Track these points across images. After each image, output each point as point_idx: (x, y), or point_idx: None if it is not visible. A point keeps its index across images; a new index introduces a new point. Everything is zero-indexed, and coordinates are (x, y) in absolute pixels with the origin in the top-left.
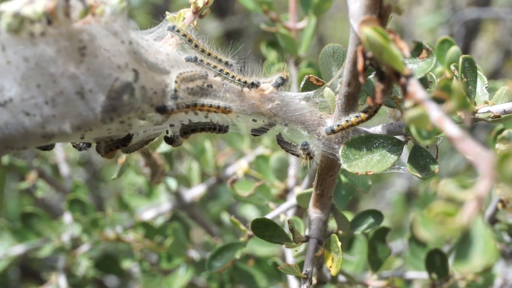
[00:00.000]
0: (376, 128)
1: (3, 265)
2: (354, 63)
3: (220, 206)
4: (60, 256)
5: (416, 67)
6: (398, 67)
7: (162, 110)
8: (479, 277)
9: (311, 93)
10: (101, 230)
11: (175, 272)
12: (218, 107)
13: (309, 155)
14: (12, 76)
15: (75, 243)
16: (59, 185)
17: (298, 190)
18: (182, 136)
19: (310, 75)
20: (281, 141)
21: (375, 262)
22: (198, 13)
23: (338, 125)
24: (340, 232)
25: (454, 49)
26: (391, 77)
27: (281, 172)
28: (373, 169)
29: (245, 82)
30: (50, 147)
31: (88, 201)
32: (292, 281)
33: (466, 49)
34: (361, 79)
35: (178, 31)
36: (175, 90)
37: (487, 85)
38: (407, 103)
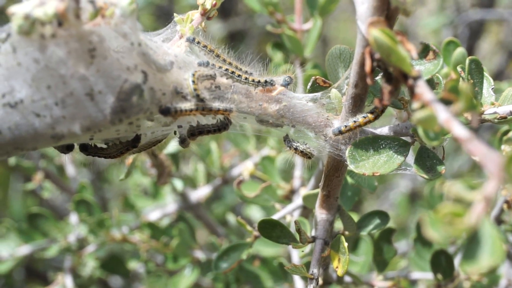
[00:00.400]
0: (382, 129)
1: (10, 265)
2: (361, 64)
3: (224, 207)
4: (65, 256)
5: (423, 68)
6: (406, 69)
7: (165, 112)
8: (484, 278)
9: (318, 94)
10: (108, 231)
11: (181, 273)
12: (218, 109)
13: (296, 150)
14: (22, 77)
15: (81, 243)
16: (65, 185)
17: (304, 191)
18: (190, 137)
19: (317, 77)
20: (288, 141)
21: (380, 262)
22: (206, 15)
23: (346, 126)
24: (346, 233)
25: (460, 51)
26: (398, 78)
27: (287, 173)
28: (380, 170)
29: (259, 82)
30: (71, 148)
31: (94, 202)
32: (298, 281)
33: (470, 50)
34: (368, 81)
35: (198, 42)
36: (195, 89)
37: (493, 87)
38: (415, 105)
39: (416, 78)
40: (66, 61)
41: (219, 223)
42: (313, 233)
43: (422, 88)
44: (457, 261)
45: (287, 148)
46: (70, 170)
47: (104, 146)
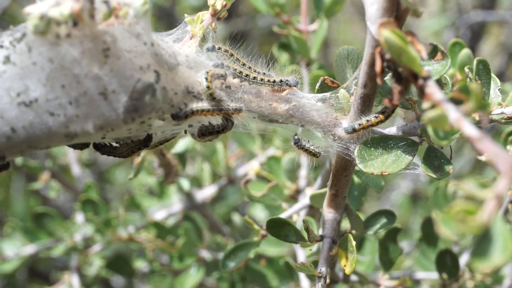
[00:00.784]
0: (391, 129)
1: (15, 264)
2: (371, 65)
3: (227, 207)
4: (70, 256)
5: (431, 69)
6: (416, 69)
7: (175, 117)
8: (487, 278)
9: (327, 94)
10: (114, 230)
11: (187, 272)
12: (228, 109)
13: (303, 149)
14: (37, 77)
15: (86, 243)
16: (71, 185)
17: (309, 191)
18: (200, 137)
19: (326, 77)
20: (296, 141)
21: (386, 261)
22: (216, 15)
23: (359, 124)
24: (354, 231)
25: (466, 52)
26: (408, 78)
27: (292, 172)
28: (388, 169)
29: (274, 81)
30: (86, 146)
31: (101, 201)
32: (304, 280)
33: (471, 51)
34: (378, 81)
35: (219, 48)
36: (208, 88)
37: (499, 87)
38: (425, 104)
39: (426, 78)
40: (80, 60)
41: (222, 222)
42: (320, 232)
43: (432, 88)
44: (462, 260)
45: (294, 147)
46: (76, 170)
47: (116, 145)
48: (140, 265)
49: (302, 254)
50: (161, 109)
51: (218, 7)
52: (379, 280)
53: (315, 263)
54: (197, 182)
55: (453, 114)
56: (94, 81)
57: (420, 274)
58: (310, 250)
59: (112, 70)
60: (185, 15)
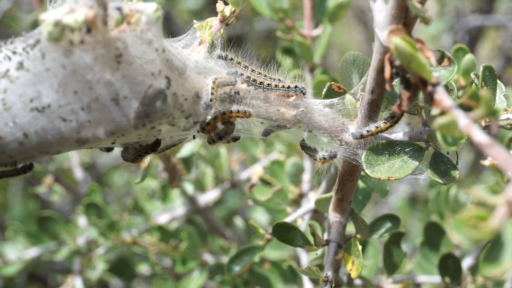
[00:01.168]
0: (397, 134)
1: (17, 268)
2: (379, 71)
3: (226, 210)
4: (71, 259)
5: (438, 75)
6: (425, 75)
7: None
8: (488, 282)
9: (334, 100)
10: (118, 234)
11: (190, 275)
12: (238, 111)
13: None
14: (49, 82)
15: (89, 246)
16: (73, 189)
17: (313, 195)
18: (211, 143)
19: (332, 83)
20: (305, 147)
21: (390, 265)
22: (225, 21)
23: (368, 131)
24: (359, 236)
25: (469, 57)
26: (418, 85)
27: (295, 177)
28: (395, 175)
29: (289, 87)
30: (111, 149)
31: (105, 205)
32: (307, 284)
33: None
34: (387, 87)
35: (231, 59)
36: (211, 100)
37: (505, 93)
38: (434, 111)
39: (435, 85)
40: (93, 66)
41: (223, 226)
42: (325, 236)
43: (441, 95)
44: (464, 264)
45: (322, 161)
46: (78, 173)
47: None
48: (142, 268)
49: (305, 258)
50: (171, 115)
51: (227, 13)
52: (382, 284)
53: (320, 267)
54: (200, 186)
55: (463, 120)
56: (106, 87)
57: (422, 278)
58: (316, 254)
59: (124, 76)
60: (194, 21)
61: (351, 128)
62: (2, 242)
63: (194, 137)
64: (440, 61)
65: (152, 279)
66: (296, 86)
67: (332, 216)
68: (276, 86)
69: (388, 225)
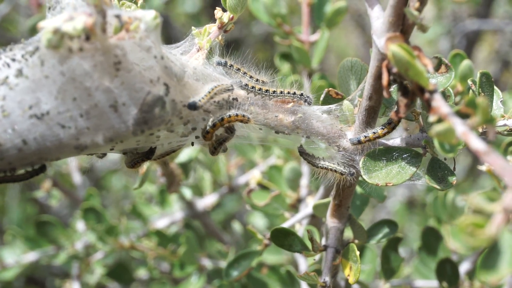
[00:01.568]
0: (395, 140)
1: (15, 272)
2: (376, 77)
3: (224, 214)
4: (69, 264)
5: (435, 82)
6: (423, 83)
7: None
8: (486, 286)
9: (332, 106)
10: (116, 238)
11: (188, 280)
12: (237, 115)
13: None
14: (48, 89)
15: (87, 250)
16: (71, 193)
17: (311, 200)
18: (213, 153)
19: (330, 89)
20: (303, 153)
21: (388, 270)
22: (223, 28)
23: (365, 137)
24: (356, 241)
25: (466, 63)
26: (415, 92)
27: (293, 182)
28: (393, 181)
29: (294, 93)
30: (104, 155)
31: (103, 210)
32: None
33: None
34: (385, 94)
35: (231, 66)
36: (199, 100)
37: (502, 99)
38: (431, 118)
39: (432, 92)
40: (92, 73)
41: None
42: (323, 242)
43: (439, 102)
44: (462, 269)
45: (308, 162)
46: (76, 178)
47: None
48: (141, 273)
49: (303, 263)
50: (170, 121)
51: (225, 20)
52: None
53: (317, 272)
54: (198, 191)
55: (460, 127)
56: (105, 94)
57: (419, 283)
58: (314, 259)
59: (123, 83)
60: (192, 28)
61: (348, 134)
62: (0, 247)
63: (192, 144)
64: (437, 67)
65: (150, 284)
66: (302, 94)
67: (330, 221)
68: (281, 92)
69: (386, 230)
